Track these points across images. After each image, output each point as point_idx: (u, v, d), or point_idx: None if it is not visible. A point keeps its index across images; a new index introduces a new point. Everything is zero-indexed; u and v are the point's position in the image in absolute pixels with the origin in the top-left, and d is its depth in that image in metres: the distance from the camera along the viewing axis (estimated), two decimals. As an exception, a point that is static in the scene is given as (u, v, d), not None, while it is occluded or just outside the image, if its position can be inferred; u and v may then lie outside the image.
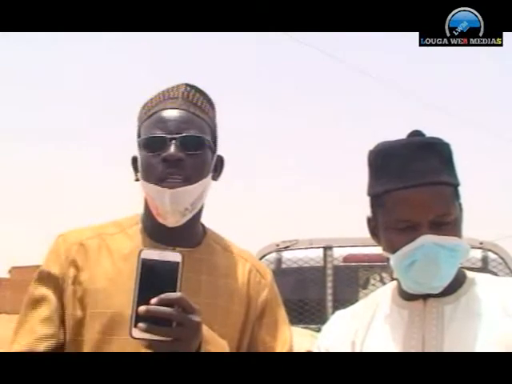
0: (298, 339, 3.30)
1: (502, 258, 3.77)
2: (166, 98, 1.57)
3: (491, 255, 3.79)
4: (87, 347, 1.49)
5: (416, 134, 1.42)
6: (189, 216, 1.54)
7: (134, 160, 1.59)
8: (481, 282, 1.42)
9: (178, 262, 1.29)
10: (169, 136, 1.50)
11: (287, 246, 3.96)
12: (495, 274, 3.48)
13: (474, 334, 1.33)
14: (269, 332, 1.60)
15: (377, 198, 1.41)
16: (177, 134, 1.51)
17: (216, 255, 1.62)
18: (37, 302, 1.54)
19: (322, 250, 3.89)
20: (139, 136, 1.58)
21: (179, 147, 1.49)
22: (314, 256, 3.93)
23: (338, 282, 3.82)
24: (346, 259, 3.94)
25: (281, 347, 1.59)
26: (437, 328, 1.37)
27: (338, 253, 3.90)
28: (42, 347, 1.49)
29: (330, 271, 3.83)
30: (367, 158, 1.45)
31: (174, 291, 1.27)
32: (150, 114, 1.56)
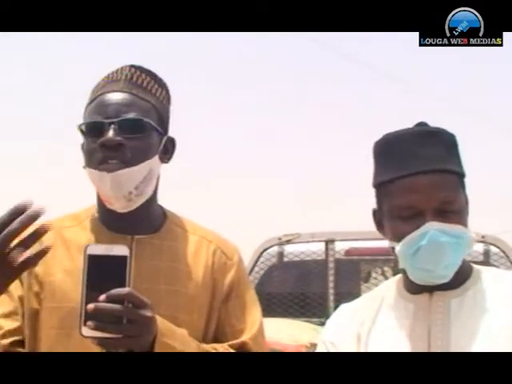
0: (299, 332, 3.33)
1: (503, 252, 3.78)
2: (109, 81, 1.54)
3: (493, 249, 3.80)
4: (44, 342, 1.46)
5: (421, 125, 1.42)
6: (138, 201, 1.50)
7: (83, 147, 1.55)
8: (487, 276, 1.42)
9: (125, 256, 1.24)
10: (107, 121, 1.46)
11: (289, 240, 3.96)
12: (497, 267, 3.48)
13: (480, 329, 1.33)
14: (236, 314, 1.56)
15: (382, 188, 1.40)
16: (115, 117, 1.47)
17: (178, 240, 1.57)
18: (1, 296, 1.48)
19: (323, 244, 3.90)
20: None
21: (117, 131, 1.45)
22: (316, 249, 3.94)
23: (339, 276, 3.83)
24: (347, 253, 3.95)
25: (249, 330, 1.55)
26: (443, 322, 1.36)
27: (340, 246, 3.91)
28: (7, 342, 1.46)
29: (331, 265, 3.85)
30: (372, 149, 1.44)
31: (123, 286, 1.23)
32: (92, 98, 1.53)
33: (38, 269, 1.48)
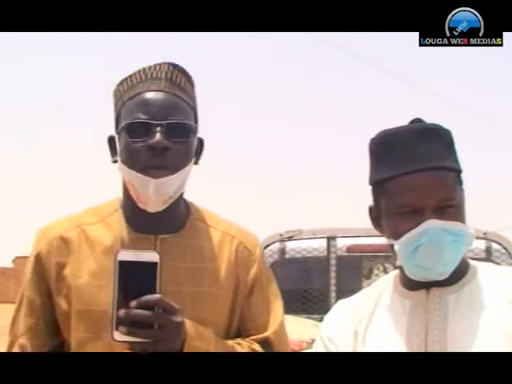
0: (301, 328, 3.33)
1: (505, 249, 3.78)
2: (148, 77, 1.51)
3: (495, 246, 3.80)
4: (73, 344, 1.48)
5: (417, 121, 1.42)
6: (171, 202, 1.50)
7: (111, 140, 1.53)
8: (484, 272, 1.42)
9: (155, 262, 1.27)
10: (154, 122, 1.45)
11: (291, 236, 3.97)
12: (498, 264, 3.48)
13: (477, 324, 1.34)
14: (259, 309, 1.57)
15: (379, 186, 1.40)
16: (162, 119, 1.45)
17: (201, 237, 1.57)
18: (24, 306, 1.53)
19: (325, 240, 3.90)
20: (118, 117, 1.52)
21: (164, 134, 1.44)
22: (318, 246, 3.95)
23: (341, 272, 3.84)
24: (349, 249, 3.95)
25: (272, 324, 1.56)
26: (440, 318, 1.37)
27: (342, 243, 3.92)
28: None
29: (333, 261, 3.85)
30: (368, 146, 1.44)
31: (154, 292, 1.26)
32: (132, 94, 1.50)
33: (66, 271, 1.50)
